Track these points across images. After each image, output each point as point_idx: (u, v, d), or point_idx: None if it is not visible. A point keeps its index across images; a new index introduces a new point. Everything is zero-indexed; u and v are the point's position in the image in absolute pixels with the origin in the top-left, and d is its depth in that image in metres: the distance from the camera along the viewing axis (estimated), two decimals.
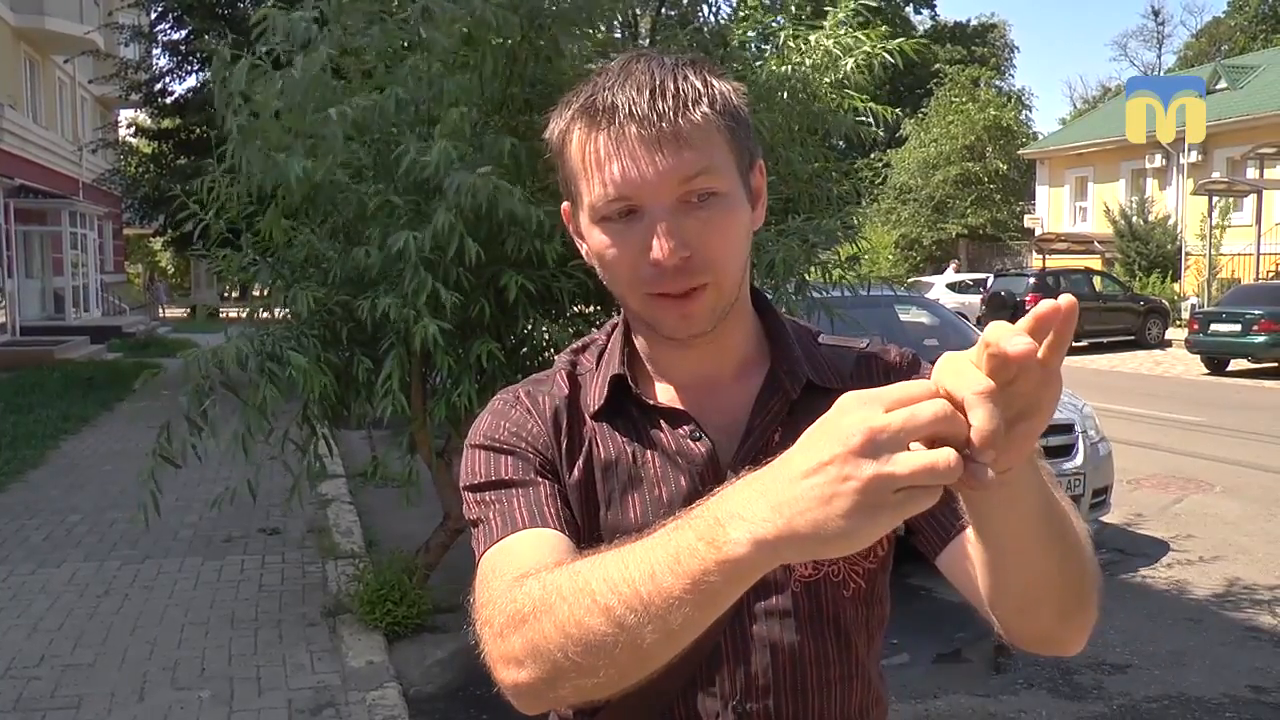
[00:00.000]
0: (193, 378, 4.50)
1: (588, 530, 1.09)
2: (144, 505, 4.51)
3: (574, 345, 1.23)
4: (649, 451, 1.10)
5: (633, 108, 0.98)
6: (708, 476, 1.08)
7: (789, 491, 0.72)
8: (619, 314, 1.20)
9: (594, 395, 1.14)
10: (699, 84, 1.01)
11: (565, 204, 1.11)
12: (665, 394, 1.14)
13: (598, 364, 1.17)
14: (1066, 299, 0.72)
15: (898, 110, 5.64)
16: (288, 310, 4.77)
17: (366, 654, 4.53)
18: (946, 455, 0.68)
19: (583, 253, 1.11)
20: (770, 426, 1.10)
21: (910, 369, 1.17)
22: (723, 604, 0.79)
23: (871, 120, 5.27)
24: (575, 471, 1.11)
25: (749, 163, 1.07)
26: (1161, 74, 43.90)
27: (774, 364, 1.14)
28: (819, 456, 0.71)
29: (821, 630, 1.10)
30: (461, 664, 4.64)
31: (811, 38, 5.08)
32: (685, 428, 1.10)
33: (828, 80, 5.03)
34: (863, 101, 5.16)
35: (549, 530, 1.04)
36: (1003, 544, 0.88)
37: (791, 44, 5.12)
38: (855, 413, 0.71)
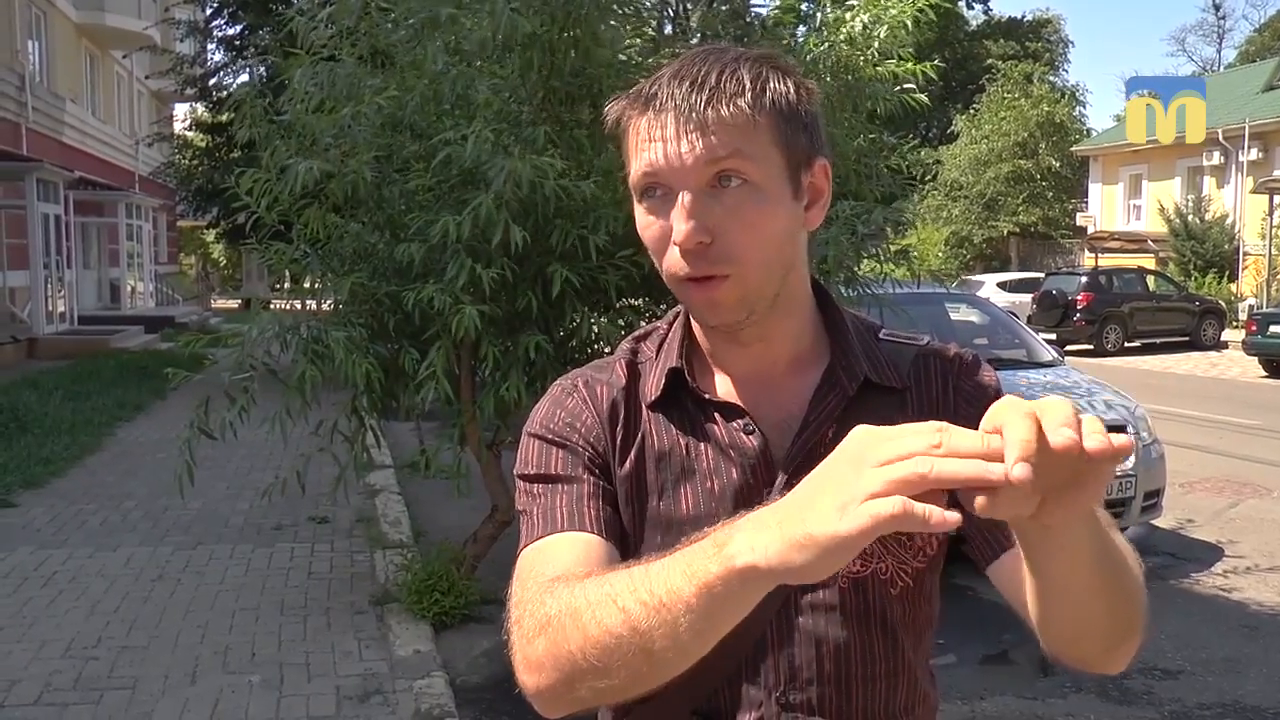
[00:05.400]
0: (241, 356, 4.60)
1: (638, 519, 1.12)
2: (180, 475, 4.66)
3: (637, 333, 1.24)
4: (702, 443, 1.12)
5: (670, 98, 1.03)
6: (759, 469, 1.10)
7: (794, 501, 0.78)
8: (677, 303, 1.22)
9: (651, 386, 1.16)
10: (747, 80, 1.03)
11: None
12: (722, 386, 1.15)
13: (658, 353, 1.18)
14: (1122, 440, 0.76)
15: (937, 63, 5.52)
16: (335, 300, 4.86)
17: (414, 643, 4.58)
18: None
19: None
20: (825, 422, 1.11)
21: (972, 368, 1.18)
22: (726, 618, 0.84)
23: (914, 85, 5.19)
24: (628, 463, 1.13)
25: (804, 161, 1.07)
26: (1222, 70, 43.03)
27: (832, 360, 1.14)
28: (834, 473, 0.77)
29: (868, 626, 1.11)
30: (508, 655, 4.66)
31: (847, 15, 5.07)
32: (739, 421, 1.11)
33: (864, 55, 5.00)
34: (899, 65, 5.09)
35: (585, 534, 1.07)
36: (1054, 584, 0.91)
37: (829, 21, 5.11)
38: (878, 439, 0.76)
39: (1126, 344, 20.36)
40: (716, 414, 1.13)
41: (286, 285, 5.66)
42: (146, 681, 4.18)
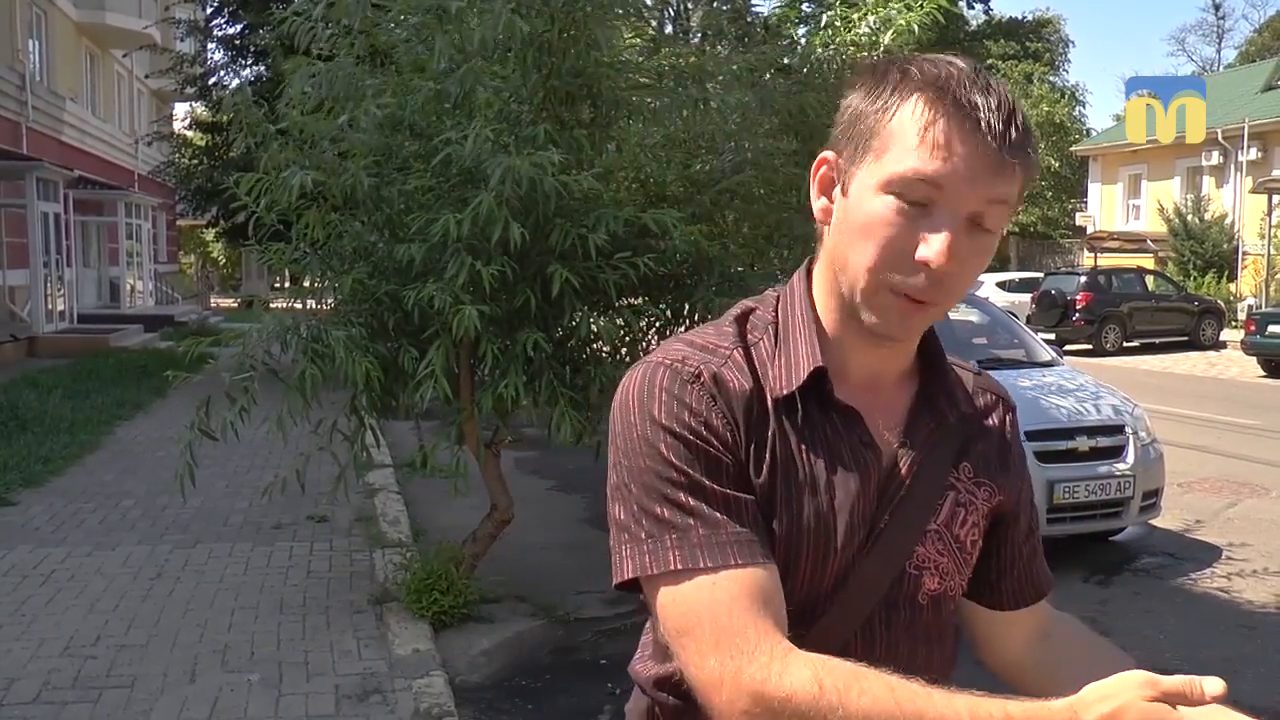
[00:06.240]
0: (241, 357, 4.61)
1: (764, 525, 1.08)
2: (181, 475, 4.68)
3: (735, 313, 1.16)
4: (822, 450, 1.08)
5: (992, 119, 0.98)
6: (872, 483, 1.09)
7: None
8: (777, 287, 1.18)
9: (779, 379, 1.08)
10: (1032, 131, 1.02)
11: (829, 153, 1.09)
12: (846, 390, 1.11)
13: (774, 342, 1.11)
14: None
15: None
16: (335, 299, 4.87)
17: (413, 642, 4.58)
18: None
19: (816, 207, 1.10)
20: (922, 444, 1.13)
21: (1015, 415, 1.25)
22: None
23: None
24: (763, 472, 1.06)
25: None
26: (1221, 70, 43.01)
27: (927, 381, 1.16)
28: None
29: (930, 639, 1.15)
30: (507, 655, 4.67)
31: (855, 16, 5.11)
32: (858, 431, 1.09)
33: (870, 57, 5.04)
34: None
35: (761, 570, 1.01)
36: None
37: (838, 24, 5.15)
38: None
39: (1125, 344, 20.35)
40: (837, 419, 1.09)
41: (286, 285, 5.68)
42: (145, 680, 4.19)
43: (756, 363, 1.09)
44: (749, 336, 1.12)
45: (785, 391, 1.07)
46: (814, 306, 1.12)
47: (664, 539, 1.02)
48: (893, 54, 1.09)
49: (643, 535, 1.03)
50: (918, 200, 0.99)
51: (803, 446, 1.07)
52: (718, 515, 1.01)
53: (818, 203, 1.09)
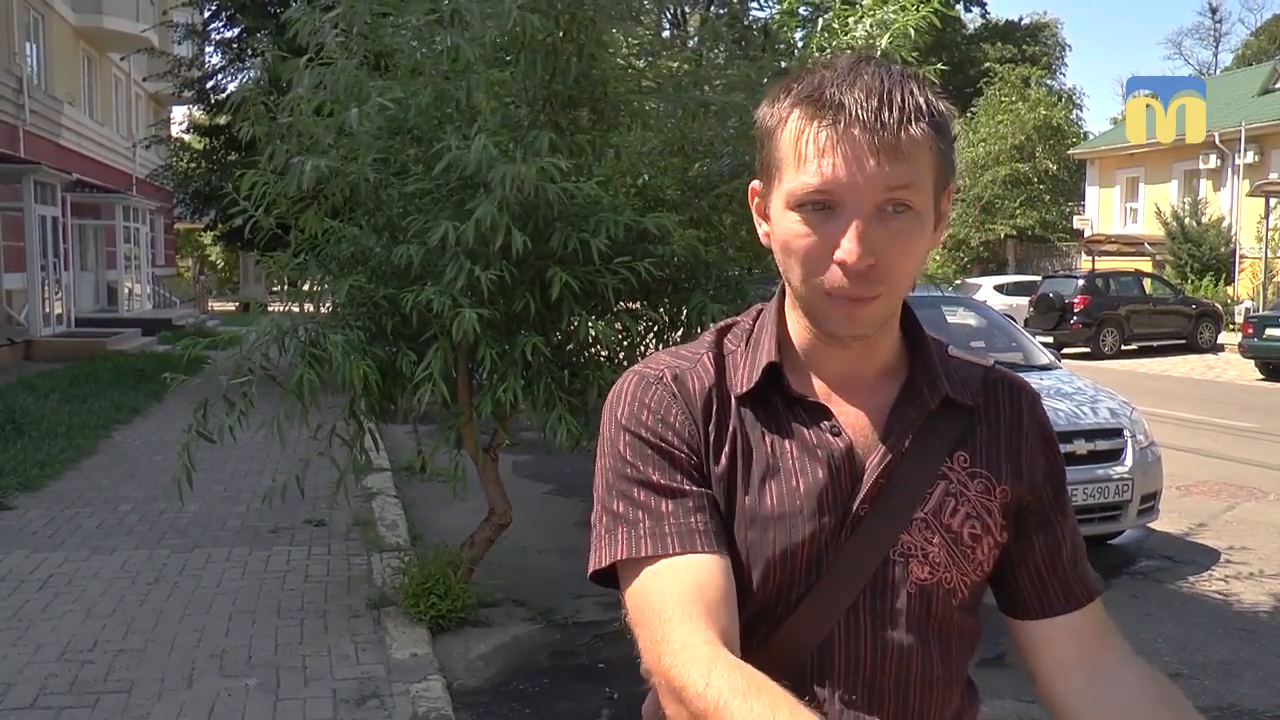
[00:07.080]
0: (239, 360, 4.60)
1: (725, 515, 1.12)
2: (179, 479, 4.67)
3: (719, 325, 1.24)
4: (788, 441, 1.12)
5: (859, 110, 1.00)
6: (844, 472, 1.11)
7: None
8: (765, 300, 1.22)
9: (742, 379, 1.15)
10: (922, 101, 1.03)
11: (756, 183, 1.14)
12: (810, 386, 1.15)
13: (746, 346, 1.18)
14: None
15: (939, 65, 5.56)
16: (333, 302, 4.86)
17: (411, 646, 4.57)
18: None
19: (760, 234, 1.15)
20: (905, 433, 1.14)
21: (1037, 401, 1.24)
22: None
23: None
24: (722, 460, 1.12)
25: (944, 185, 1.09)
26: (1219, 73, 43.10)
27: (914, 372, 1.17)
28: None
29: (928, 634, 1.14)
30: (505, 658, 4.67)
31: (851, 20, 5.11)
32: (825, 422, 1.13)
33: None
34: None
35: (702, 557, 1.06)
36: None
37: (835, 26, 5.15)
38: None
39: (1123, 347, 20.39)
40: (804, 413, 1.13)
41: (284, 288, 5.67)
42: (142, 685, 4.18)
43: (729, 367, 1.16)
44: (726, 345, 1.19)
45: (745, 388, 1.14)
46: (783, 313, 1.18)
47: (618, 532, 1.09)
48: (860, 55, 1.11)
49: (604, 531, 1.11)
50: (819, 208, 1.03)
51: (766, 438, 1.12)
52: (663, 507, 1.08)
53: (760, 229, 1.15)
